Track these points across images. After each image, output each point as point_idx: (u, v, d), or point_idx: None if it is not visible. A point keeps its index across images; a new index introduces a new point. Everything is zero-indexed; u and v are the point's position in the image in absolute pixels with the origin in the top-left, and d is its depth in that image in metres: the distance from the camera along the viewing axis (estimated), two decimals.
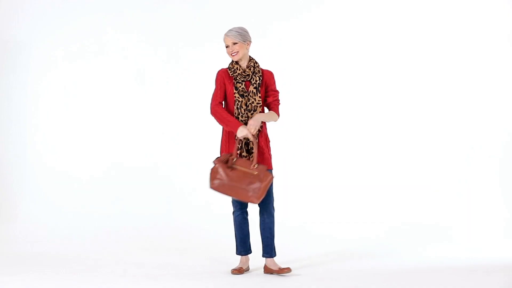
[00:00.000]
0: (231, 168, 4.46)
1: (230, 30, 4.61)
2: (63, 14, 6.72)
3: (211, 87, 4.70)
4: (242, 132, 4.45)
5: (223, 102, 4.63)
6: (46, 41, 6.72)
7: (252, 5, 6.56)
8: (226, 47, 4.61)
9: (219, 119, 4.55)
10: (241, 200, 4.47)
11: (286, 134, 5.49)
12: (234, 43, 4.58)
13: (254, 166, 4.43)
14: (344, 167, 6.42)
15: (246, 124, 4.52)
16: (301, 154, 6.48)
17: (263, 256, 4.68)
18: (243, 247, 4.74)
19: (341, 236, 5.94)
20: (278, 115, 4.68)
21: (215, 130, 4.81)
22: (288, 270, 4.59)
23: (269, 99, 4.69)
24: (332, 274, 4.64)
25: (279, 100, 4.71)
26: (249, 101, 4.57)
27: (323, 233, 6.00)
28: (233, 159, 4.47)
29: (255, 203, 4.42)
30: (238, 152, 4.52)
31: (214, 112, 4.58)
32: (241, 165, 4.46)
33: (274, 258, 4.68)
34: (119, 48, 6.72)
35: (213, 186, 4.49)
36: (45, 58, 6.73)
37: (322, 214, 6.26)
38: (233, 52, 4.58)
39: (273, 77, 4.71)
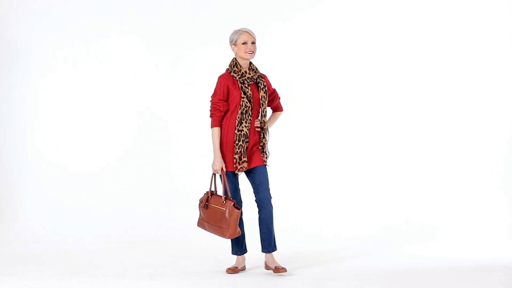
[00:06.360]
0: (207, 206, 4.59)
1: (247, 28, 4.61)
2: (63, 15, 6.72)
3: (210, 87, 4.69)
4: (215, 165, 4.57)
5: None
6: (46, 41, 6.73)
7: (249, 6, 6.56)
8: (243, 43, 4.56)
9: (212, 135, 4.60)
10: (218, 235, 4.56)
11: (282, 132, 5.49)
12: (253, 42, 4.59)
13: (222, 202, 4.52)
14: (342, 165, 6.41)
15: (245, 132, 4.54)
16: (298, 152, 6.48)
17: (262, 251, 4.70)
18: (238, 247, 4.76)
19: (341, 235, 5.94)
20: (282, 109, 4.87)
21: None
22: (283, 270, 4.57)
23: (275, 103, 4.81)
24: (332, 274, 4.65)
25: (278, 95, 4.85)
26: (261, 107, 4.62)
27: (321, 233, 6.00)
28: (207, 198, 4.59)
29: (227, 238, 4.51)
30: (215, 185, 4.64)
31: (213, 122, 4.60)
32: (214, 203, 4.56)
33: (274, 253, 4.68)
34: (118, 49, 6.72)
35: (197, 225, 4.71)
36: (45, 58, 6.73)
37: (320, 213, 6.26)
38: (250, 50, 4.56)
39: (268, 80, 4.79)
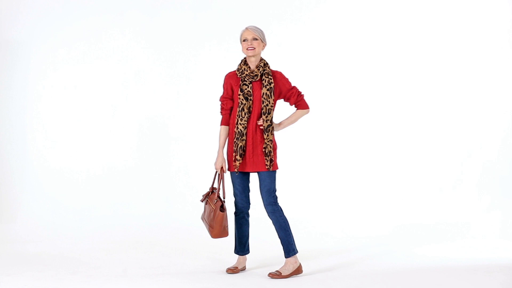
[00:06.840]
0: (206, 201, 4.61)
1: (251, 26, 4.57)
2: (63, 15, 6.71)
3: (211, 87, 4.70)
4: (216, 164, 4.59)
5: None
6: (46, 42, 6.72)
7: (249, 6, 6.56)
8: (243, 41, 4.53)
9: (219, 133, 4.64)
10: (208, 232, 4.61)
11: (288, 133, 5.49)
12: (254, 38, 4.52)
13: (214, 201, 4.54)
14: (346, 166, 6.42)
15: (244, 128, 4.51)
16: (302, 153, 6.48)
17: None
18: (241, 247, 4.77)
19: (341, 236, 5.94)
20: (308, 107, 4.67)
21: (215, 129, 4.81)
22: (272, 275, 4.54)
23: (292, 100, 4.63)
24: (332, 274, 4.65)
25: (301, 93, 4.66)
26: (263, 104, 4.53)
27: (322, 233, 6.00)
28: (208, 194, 4.61)
29: (212, 238, 4.55)
30: (218, 182, 4.61)
31: (221, 120, 4.64)
32: (211, 200, 4.58)
33: (295, 256, 4.61)
34: (118, 49, 6.72)
35: (201, 217, 4.72)
36: (45, 58, 6.72)
37: (322, 213, 6.26)
38: (250, 46, 4.51)
39: (284, 76, 4.64)
